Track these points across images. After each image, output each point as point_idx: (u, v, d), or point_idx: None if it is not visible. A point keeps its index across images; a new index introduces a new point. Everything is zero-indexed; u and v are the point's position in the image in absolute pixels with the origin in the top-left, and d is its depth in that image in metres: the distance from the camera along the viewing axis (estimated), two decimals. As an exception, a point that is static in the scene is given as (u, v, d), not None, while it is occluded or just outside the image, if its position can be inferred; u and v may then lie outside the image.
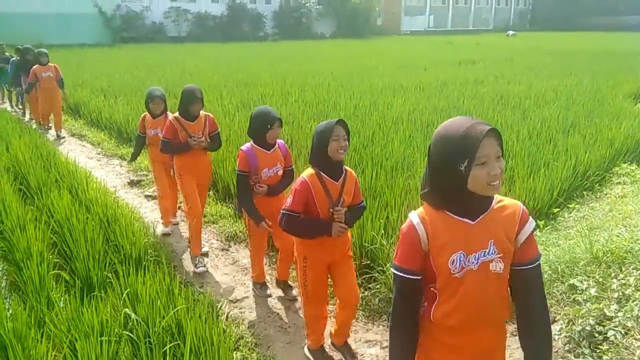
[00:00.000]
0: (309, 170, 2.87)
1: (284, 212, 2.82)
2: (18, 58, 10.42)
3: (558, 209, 5.16)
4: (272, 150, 3.61)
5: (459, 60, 19.52)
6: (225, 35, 36.20)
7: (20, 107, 11.43)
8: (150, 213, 5.70)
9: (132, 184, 6.72)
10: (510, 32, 42.82)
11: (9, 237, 4.10)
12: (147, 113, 5.03)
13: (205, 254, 4.70)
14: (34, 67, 8.99)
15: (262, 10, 40.36)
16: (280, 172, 3.68)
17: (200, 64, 18.28)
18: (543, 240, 4.38)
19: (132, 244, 4.11)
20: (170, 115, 4.42)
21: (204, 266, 4.40)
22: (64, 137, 9.23)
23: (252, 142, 3.61)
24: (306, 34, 40.49)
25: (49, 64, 9.08)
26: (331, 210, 2.84)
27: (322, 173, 2.82)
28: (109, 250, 4.03)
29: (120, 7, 34.49)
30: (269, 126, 3.48)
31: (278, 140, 3.68)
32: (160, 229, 5.17)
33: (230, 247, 4.89)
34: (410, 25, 50.35)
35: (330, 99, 10.34)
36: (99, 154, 8.24)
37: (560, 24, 52.02)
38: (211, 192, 6.01)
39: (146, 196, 6.24)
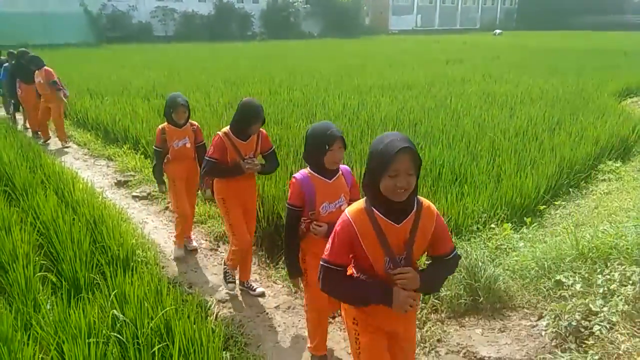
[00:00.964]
0: (357, 206, 2.07)
1: (322, 263, 2.10)
2: (13, 62, 9.43)
3: (544, 206, 5.22)
4: (333, 178, 2.85)
5: (447, 59, 19.64)
6: (212, 35, 36.04)
7: (11, 114, 10.52)
8: (137, 214, 5.66)
9: (120, 184, 6.67)
10: (497, 31, 43.18)
11: (-7, 239, 4.05)
12: (166, 124, 4.38)
13: (195, 249, 4.75)
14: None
15: (249, 10, 40.27)
16: (345, 207, 2.47)
17: (188, 63, 18.17)
18: (530, 237, 4.42)
19: (119, 245, 4.08)
20: (220, 132, 3.66)
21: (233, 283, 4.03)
22: (68, 146, 8.64)
23: (308, 168, 2.87)
24: (294, 33, 40.46)
25: (44, 68, 8.40)
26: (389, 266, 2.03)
27: (374, 210, 2.01)
28: (96, 252, 3.99)
29: (106, 7, 34.22)
30: (327, 147, 2.71)
31: (342, 166, 2.94)
32: (175, 251, 4.63)
33: (219, 247, 4.87)
34: (398, 24, 50.54)
35: (319, 98, 10.34)
36: (85, 154, 8.16)
37: (546, 23, 52.57)
38: (199, 192, 5.97)
39: (133, 197, 6.20)
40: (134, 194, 6.27)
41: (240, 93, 11.20)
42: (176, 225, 4.64)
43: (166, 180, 4.66)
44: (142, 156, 7.46)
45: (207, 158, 3.64)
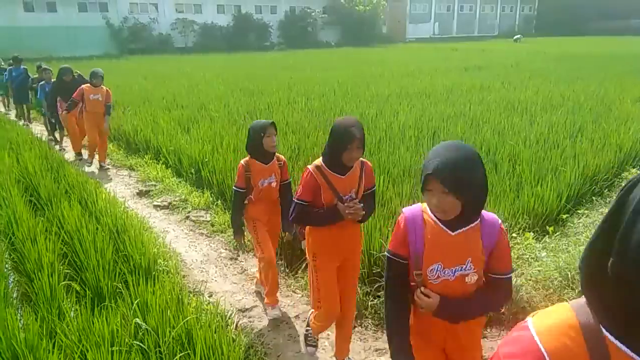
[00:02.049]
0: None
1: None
2: (54, 80, 8.92)
3: (567, 215, 5.14)
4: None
5: (465, 67, 19.54)
6: (231, 45, 36.52)
7: (53, 136, 9.96)
8: (159, 223, 5.74)
9: (141, 194, 6.77)
10: (517, 37, 42.79)
11: (20, 248, 4.15)
12: (250, 158, 3.63)
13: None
14: (83, 85, 7.72)
15: (267, 20, 40.69)
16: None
17: (207, 73, 18.41)
18: (552, 247, 4.35)
19: (141, 254, 4.13)
20: (310, 166, 2.85)
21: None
22: (108, 168, 8.07)
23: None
24: (312, 42, 40.74)
25: (102, 86, 7.75)
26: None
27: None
28: (118, 261, 4.06)
29: (128, 19, 34.95)
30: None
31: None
32: (270, 312, 3.75)
33: (238, 256, 4.90)
34: (416, 32, 50.51)
35: (336, 107, 10.38)
36: (108, 164, 8.31)
37: (566, 28, 51.96)
38: (219, 201, 6.04)
39: (155, 206, 6.28)
40: (156, 203, 6.35)
41: (258, 102, 11.31)
42: (264, 276, 3.80)
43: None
44: (164, 166, 7.56)
45: (296, 201, 2.85)
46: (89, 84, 7.67)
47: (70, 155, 8.88)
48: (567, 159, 6.33)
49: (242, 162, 3.65)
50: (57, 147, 9.48)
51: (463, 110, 9.81)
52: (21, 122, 11.70)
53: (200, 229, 5.54)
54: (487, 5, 56.96)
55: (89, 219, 4.77)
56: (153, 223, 5.67)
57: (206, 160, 6.74)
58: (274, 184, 3.69)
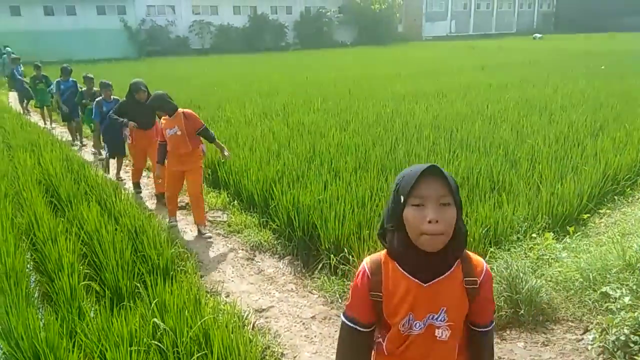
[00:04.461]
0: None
1: None
2: (123, 98, 6.66)
3: (588, 215, 5.04)
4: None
5: (482, 65, 19.33)
6: (247, 46, 36.74)
7: (106, 165, 7.75)
8: (110, 176, 5.79)
9: (159, 194, 6.82)
10: (537, 35, 42.23)
11: (41, 248, 4.21)
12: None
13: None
14: (162, 119, 5.32)
15: (283, 21, 40.83)
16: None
17: (223, 75, 18.53)
18: (573, 247, 4.27)
19: (159, 254, 4.17)
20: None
21: None
22: (210, 237, 5.34)
23: None
24: (327, 42, 40.75)
25: (179, 110, 5.21)
26: None
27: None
28: (137, 261, 4.10)
29: (145, 22, 35.35)
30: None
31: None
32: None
33: (255, 256, 4.91)
34: (432, 31, 50.16)
35: (352, 107, 10.35)
36: (126, 165, 8.39)
37: (585, 25, 51.11)
38: (236, 201, 6.07)
39: (172, 207, 6.33)
40: (173, 204, 6.39)
41: (274, 103, 11.34)
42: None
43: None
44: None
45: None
46: (165, 117, 5.25)
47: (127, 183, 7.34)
48: (588, 158, 6.21)
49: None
50: (108, 174, 7.50)
51: (480, 109, 9.70)
52: (75, 144, 10.12)
53: (217, 229, 5.57)
54: (504, 3, 56.31)
55: (108, 220, 4.84)
56: (168, 223, 5.72)
57: (222, 160, 6.77)
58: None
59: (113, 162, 7.71)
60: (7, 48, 20.24)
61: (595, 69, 16.22)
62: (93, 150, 9.29)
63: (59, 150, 7.65)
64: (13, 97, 16.74)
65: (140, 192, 6.90)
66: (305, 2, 42.51)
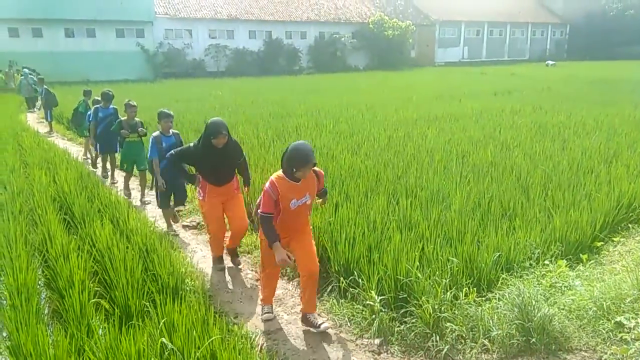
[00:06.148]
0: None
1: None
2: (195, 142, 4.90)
3: (602, 243, 4.97)
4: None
5: (495, 91, 19.38)
6: (262, 70, 37.25)
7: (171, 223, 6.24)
8: (187, 242, 5.81)
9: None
10: (550, 62, 42.29)
11: (53, 265, 4.25)
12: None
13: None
14: (273, 177, 3.74)
15: (297, 45, 41.43)
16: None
17: (238, 97, 18.77)
18: (587, 275, 4.20)
19: (169, 273, 4.18)
20: None
21: None
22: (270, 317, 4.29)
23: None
24: (341, 67, 41.18)
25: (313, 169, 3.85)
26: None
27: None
28: (147, 280, 4.11)
29: (163, 45, 36.08)
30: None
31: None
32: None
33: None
34: (445, 56, 50.51)
35: (364, 130, 10.40)
36: (139, 184, 8.48)
37: (598, 53, 51.11)
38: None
39: (184, 226, 6.37)
40: (184, 223, 6.44)
41: (286, 125, 11.43)
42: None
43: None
44: (193, 187, 7.64)
45: None
46: (281, 177, 3.71)
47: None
48: (602, 185, 6.16)
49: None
50: (173, 230, 6.16)
51: (493, 134, 9.69)
52: (107, 181, 8.71)
53: (227, 250, 5.57)
54: (517, 30, 56.64)
55: (120, 238, 4.87)
56: (181, 243, 5.75)
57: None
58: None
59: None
60: (25, 70, 20.70)
61: (608, 96, 16.16)
62: (124, 190, 7.74)
63: (74, 168, 7.76)
64: (32, 117, 17.14)
65: (223, 267, 5.07)
66: (320, 28, 43.16)
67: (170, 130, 6.14)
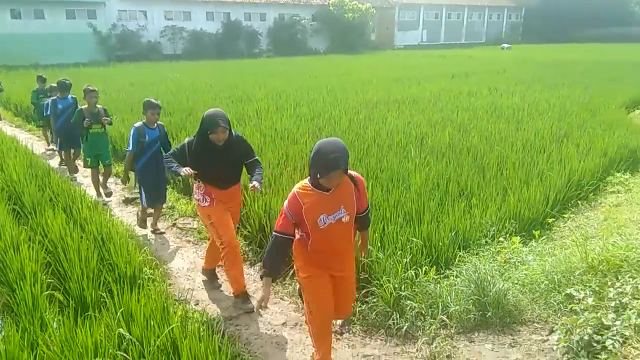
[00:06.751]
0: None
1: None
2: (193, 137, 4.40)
3: (553, 219, 5.17)
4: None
5: (452, 73, 19.68)
6: (220, 53, 36.44)
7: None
8: (145, 231, 5.68)
9: (127, 201, 6.70)
10: (505, 45, 43.17)
11: (2, 257, 4.06)
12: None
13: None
14: (296, 189, 2.98)
15: (257, 27, 40.69)
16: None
17: (195, 81, 18.35)
18: (539, 251, 4.37)
19: (126, 262, 4.08)
20: None
21: None
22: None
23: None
24: (301, 50, 40.79)
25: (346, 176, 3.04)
26: None
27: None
28: (103, 269, 4.00)
29: (116, 26, 34.74)
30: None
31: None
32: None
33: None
34: (404, 39, 50.83)
35: (325, 114, 10.38)
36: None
37: (552, 36, 52.61)
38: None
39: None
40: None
41: (246, 109, 11.28)
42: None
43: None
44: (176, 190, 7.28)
45: None
46: (306, 186, 2.98)
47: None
48: (554, 164, 6.39)
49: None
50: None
51: (451, 117, 9.86)
52: (67, 174, 7.89)
53: (187, 237, 5.49)
54: (474, 13, 57.52)
55: (74, 228, 4.70)
56: (139, 231, 5.61)
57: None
58: None
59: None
60: None
61: (561, 80, 16.70)
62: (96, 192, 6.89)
63: (23, 156, 7.41)
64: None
65: (220, 285, 4.46)
66: (279, 10, 42.51)
67: (155, 122, 5.44)
